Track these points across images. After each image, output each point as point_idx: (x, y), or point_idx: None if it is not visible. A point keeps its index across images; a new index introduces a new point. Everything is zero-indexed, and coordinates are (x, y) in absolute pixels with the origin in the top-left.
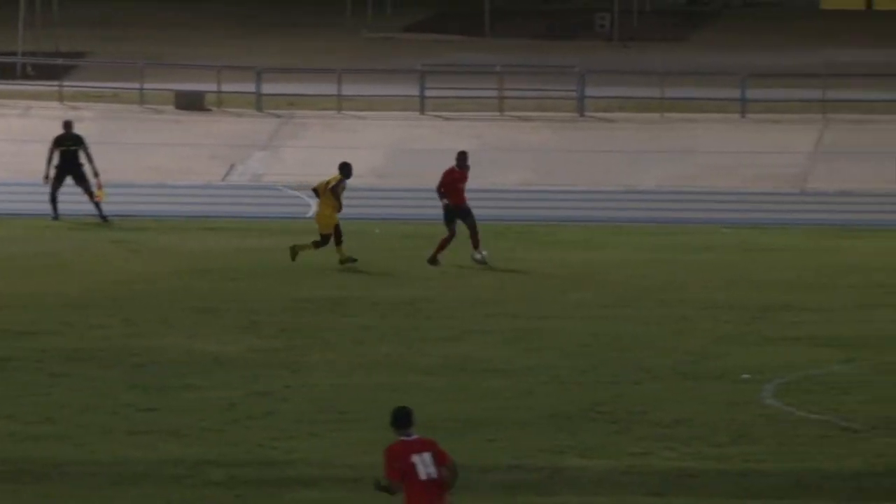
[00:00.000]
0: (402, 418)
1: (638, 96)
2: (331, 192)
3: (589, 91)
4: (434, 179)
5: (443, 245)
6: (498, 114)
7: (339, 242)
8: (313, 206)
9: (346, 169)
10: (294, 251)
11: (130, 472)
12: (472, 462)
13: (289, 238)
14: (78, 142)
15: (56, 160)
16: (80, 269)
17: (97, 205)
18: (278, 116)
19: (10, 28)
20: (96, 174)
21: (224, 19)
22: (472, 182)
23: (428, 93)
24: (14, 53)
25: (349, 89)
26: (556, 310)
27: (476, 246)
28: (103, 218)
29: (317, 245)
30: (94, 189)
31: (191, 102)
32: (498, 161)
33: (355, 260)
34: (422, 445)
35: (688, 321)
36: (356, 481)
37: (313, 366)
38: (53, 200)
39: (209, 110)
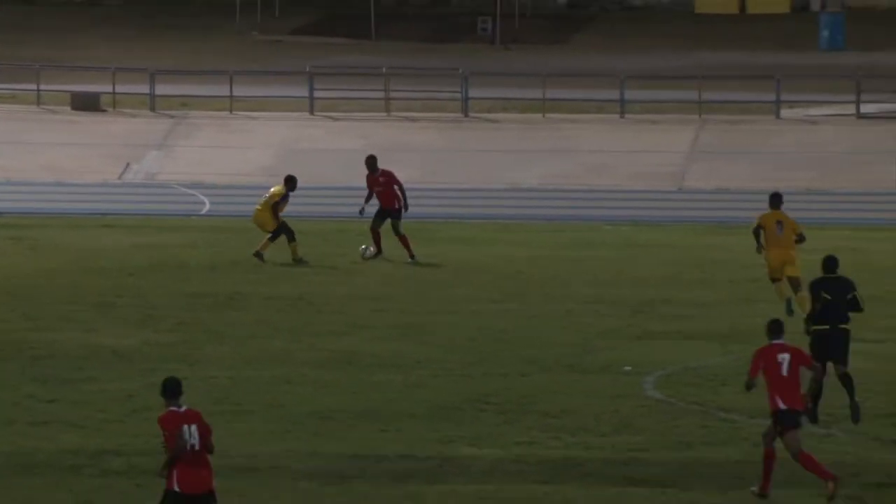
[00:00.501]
0: (171, 388)
1: (520, 97)
2: (271, 208)
3: (473, 92)
4: (323, 178)
5: (375, 238)
6: (385, 114)
7: (274, 239)
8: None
9: (291, 182)
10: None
11: (32, 462)
12: (364, 451)
13: (182, 235)
14: None
15: None
16: None
17: None
18: (172, 117)
19: None
20: None
21: (118, 22)
22: (360, 182)
23: (317, 94)
24: None
25: (240, 90)
26: (444, 305)
27: (408, 249)
28: None
29: (272, 240)
30: None
31: (86, 103)
32: (385, 160)
33: (265, 259)
34: (189, 417)
35: (572, 316)
36: (252, 471)
37: (208, 359)
38: None
39: (104, 111)
